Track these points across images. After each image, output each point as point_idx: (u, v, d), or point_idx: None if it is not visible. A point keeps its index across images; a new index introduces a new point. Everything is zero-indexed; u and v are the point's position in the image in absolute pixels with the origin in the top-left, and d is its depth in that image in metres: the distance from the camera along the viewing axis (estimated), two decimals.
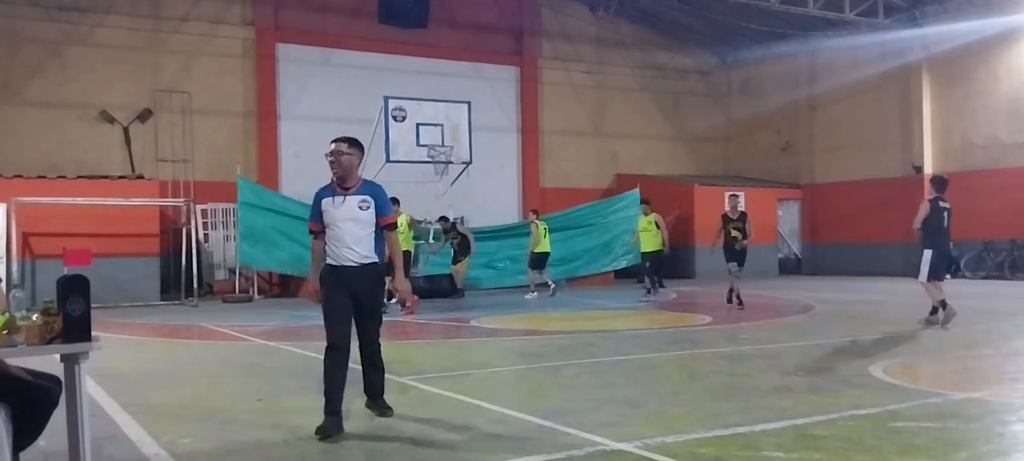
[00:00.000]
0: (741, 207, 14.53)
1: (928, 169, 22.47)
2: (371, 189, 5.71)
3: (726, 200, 15.26)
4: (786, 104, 25.72)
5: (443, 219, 18.05)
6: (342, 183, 5.63)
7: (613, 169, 25.83)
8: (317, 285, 5.78)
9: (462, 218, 21.41)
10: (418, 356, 9.72)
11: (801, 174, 25.77)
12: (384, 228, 5.71)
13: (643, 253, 17.17)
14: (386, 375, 6.00)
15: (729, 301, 14.32)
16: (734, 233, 14.19)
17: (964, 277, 20.44)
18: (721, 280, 16.10)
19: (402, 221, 14.85)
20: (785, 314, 13.00)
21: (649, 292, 16.77)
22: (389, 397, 5.97)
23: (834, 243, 24.83)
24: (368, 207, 5.59)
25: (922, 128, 22.51)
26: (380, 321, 5.83)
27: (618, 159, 25.97)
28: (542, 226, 18.20)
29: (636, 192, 21.86)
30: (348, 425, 5.43)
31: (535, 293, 17.53)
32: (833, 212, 24.75)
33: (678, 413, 5.84)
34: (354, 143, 5.72)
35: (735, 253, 14.19)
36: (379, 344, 5.84)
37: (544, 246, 18.10)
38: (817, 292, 17.33)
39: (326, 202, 5.64)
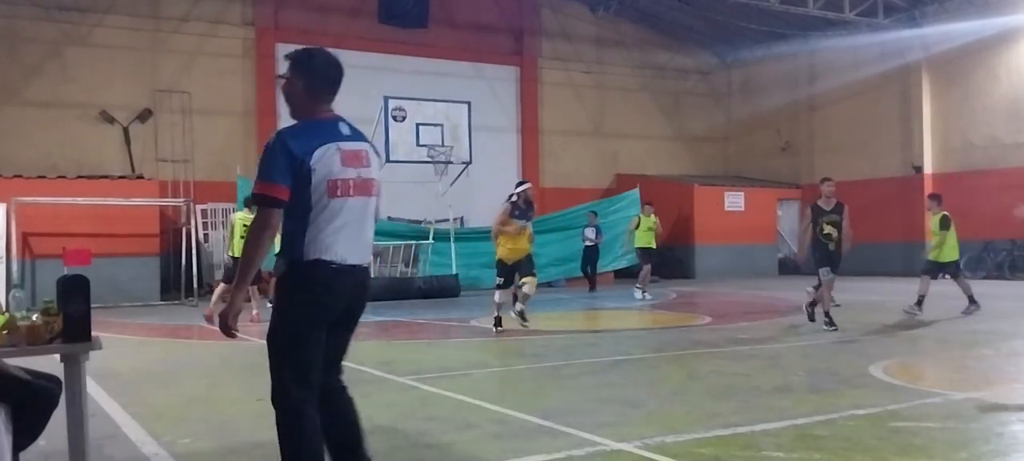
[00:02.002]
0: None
1: (928, 169, 22.48)
2: None
3: (821, 186, 11.09)
4: (786, 104, 25.72)
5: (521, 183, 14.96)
6: None
7: (613, 169, 25.83)
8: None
9: (462, 218, 21.43)
10: (418, 356, 9.72)
11: (801, 174, 25.75)
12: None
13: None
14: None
15: (811, 317, 11.00)
16: (828, 229, 10.71)
17: (964, 277, 20.38)
18: (722, 280, 15.98)
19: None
20: (785, 314, 12.98)
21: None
22: (389, 397, 5.91)
23: None
24: None
25: (922, 128, 22.51)
26: (273, 348, 3.59)
27: (618, 159, 25.96)
28: (645, 220, 17.26)
29: (636, 192, 21.86)
30: None
31: (644, 291, 16.67)
32: None
33: (678, 413, 5.84)
34: None
35: (830, 256, 10.68)
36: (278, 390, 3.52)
37: (640, 240, 17.24)
38: None
39: None
